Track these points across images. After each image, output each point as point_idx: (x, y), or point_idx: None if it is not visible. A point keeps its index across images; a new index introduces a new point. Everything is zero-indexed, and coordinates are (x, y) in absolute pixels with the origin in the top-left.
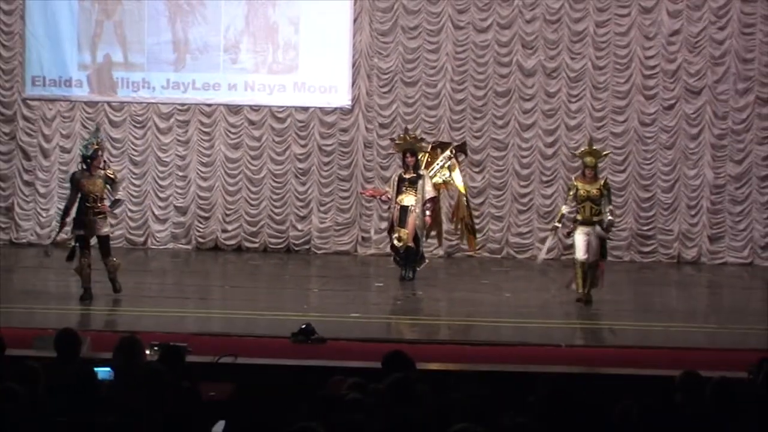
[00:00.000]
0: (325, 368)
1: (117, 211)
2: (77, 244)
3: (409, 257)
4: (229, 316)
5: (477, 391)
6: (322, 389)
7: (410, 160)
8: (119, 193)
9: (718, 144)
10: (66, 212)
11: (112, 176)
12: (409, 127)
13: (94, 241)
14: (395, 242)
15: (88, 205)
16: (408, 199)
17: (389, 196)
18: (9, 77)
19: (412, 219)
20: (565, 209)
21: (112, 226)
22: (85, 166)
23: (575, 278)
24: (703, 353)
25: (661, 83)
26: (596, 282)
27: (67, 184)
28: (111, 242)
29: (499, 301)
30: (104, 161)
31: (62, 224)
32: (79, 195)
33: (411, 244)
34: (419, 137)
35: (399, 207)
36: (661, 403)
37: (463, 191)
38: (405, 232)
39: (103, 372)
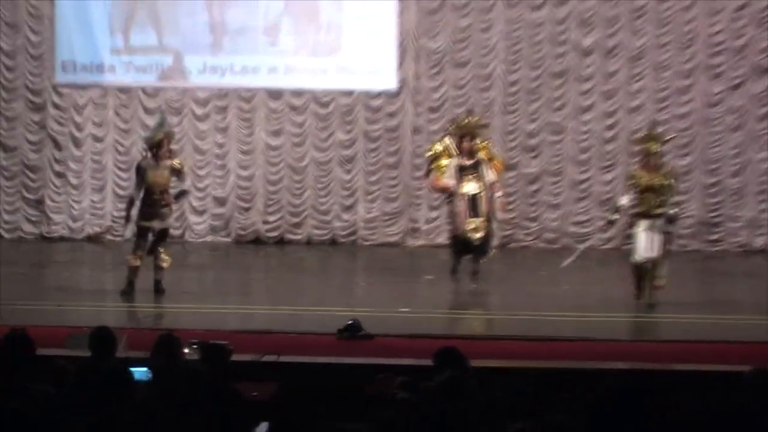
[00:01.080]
0: (373, 366)
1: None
2: (139, 239)
3: (483, 249)
4: (272, 313)
5: (533, 389)
6: (369, 388)
7: (467, 144)
8: (185, 183)
9: None
10: (131, 204)
11: (178, 166)
12: (470, 110)
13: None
14: (472, 235)
15: (155, 197)
16: (471, 186)
17: (454, 188)
18: (38, 63)
19: (485, 206)
20: (624, 200)
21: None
22: (150, 155)
23: (636, 283)
24: None
25: (727, 61)
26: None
27: (100, 175)
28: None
29: (557, 293)
30: (170, 150)
31: (128, 218)
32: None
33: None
34: (482, 121)
35: (467, 197)
36: (729, 401)
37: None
38: (481, 221)
39: (140, 372)
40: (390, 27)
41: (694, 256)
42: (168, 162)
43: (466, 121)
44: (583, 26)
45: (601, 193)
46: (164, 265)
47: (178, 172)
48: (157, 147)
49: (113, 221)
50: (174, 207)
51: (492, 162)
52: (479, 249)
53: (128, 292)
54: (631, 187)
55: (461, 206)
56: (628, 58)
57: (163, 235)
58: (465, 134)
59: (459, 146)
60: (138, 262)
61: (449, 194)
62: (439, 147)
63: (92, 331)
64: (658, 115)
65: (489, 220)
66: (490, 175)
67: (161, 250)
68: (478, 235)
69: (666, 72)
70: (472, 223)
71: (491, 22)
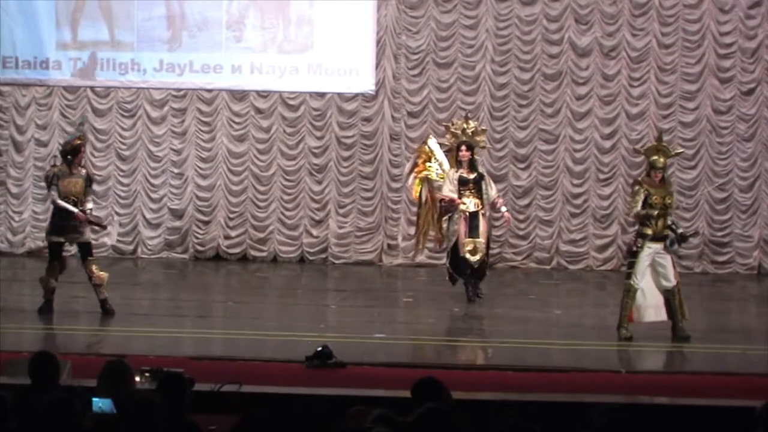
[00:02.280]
0: (345, 398)
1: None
2: (51, 257)
3: (481, 271)
4: (233, 337)
5: (522, 423)
6: (341, 422)
7: (464, 154)
8: (90, 196)
9: None
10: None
11: (92, 176)
12: (468, 114)
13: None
14: (469, 257)
15: None
16: (472, 203)
17: (455, 201)
18: None
19: (484, 226)
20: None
21: (95, 232)
22: (63, 162)
23: (624, 308)
24: None
25: (738, 64)
26: (684, 311)
27: (43, 183)
28: (95, 251)
29: (548, 319)
30: (85, 158)
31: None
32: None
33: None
34: (480, 128)
35: (466, 215)
36: None
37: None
38: (480, 242)
39: (103, 403)
40: (367, 23)
41: (700, 279)
42: (83, 171)
43: (462, 128)
44: (580, 24)
45: (598, 208)
46: (100, 282)
47: (91, 182)
48: (73, 153)
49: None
50: (91, 226)
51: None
52: (477, 272)
53: (46, 310)
54: (638, 203)
55: (461, 224)
56: (629, 60)
57: (86, 251)
58: (462, 143)
59: (457, 156)
60: (54, 283)
61: (448, 210)
62: (427, 149)
63: (33, 356)
64: (662, 122)
65: (488, 241)
66: (491, 191)
67: (93, 267)
68: (476, 258)
69: (671, 75)
70: (470, 244)
71: (478, 18)
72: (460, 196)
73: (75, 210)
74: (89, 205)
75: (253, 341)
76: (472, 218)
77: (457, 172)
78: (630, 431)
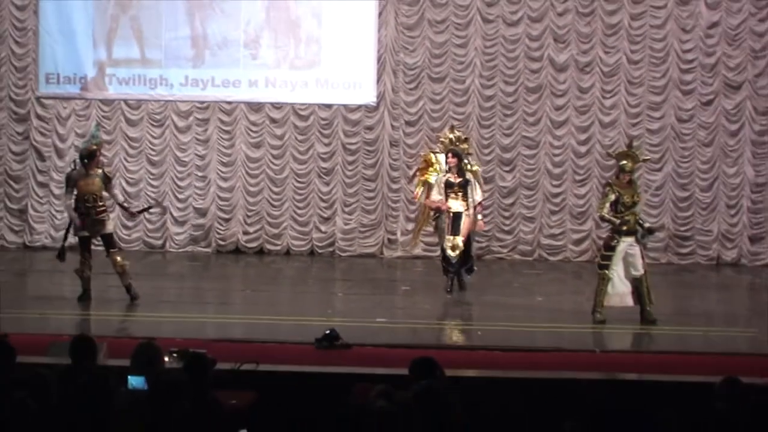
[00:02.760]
0: (350, 375)
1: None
2: (81, 249)
3: (463, 264)
4: (251, 322)
5: (509, 398)
6: (347, 397)
7: (451, 161)
8: (117, 195)
9: (759, 141)
10: (70, 209)
11: (108, 174)
12: (453, 125)
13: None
14: (450, 252)
15: (88, 205)
16: (456, 204)
17: (443, 204)
18: (22, 75)
19: (466, 225)
20: (606, 214)
21: (128, 228)
22: (81, 165)
23: (598, 294)
24: (744, 359)
25: (699, 78)
26: (651, 297)
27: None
28: (128, 246)
29: (531, 305)
30: (103, 159)
31: (66, 236)
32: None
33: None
34: (464, 136)
35: (451, 214)
36: (701, 411)
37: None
38: (460, 239)
39: (136, 380)
40: (369, 42)
41: (665, 269)
42: (99, 171)
43: (450, 138)
44: (558, 43)
45: (575, 206)
46: (121, 269)
47: (108, 180)
48: (89, 157)
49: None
50: (136, 219)
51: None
52: (458, 266)
53: (84, 298)
54: (608, 203)
55: (446, 223)
56: (602, 74)
57: (108, 242)
58: (449, 150)
59: (447, 161)
60: (88, 273)
61: (437, 211)
62: (432, 158)
63: (73, 339)
64: (631, 130)
65: (469, 238)
66: (477, 195)
67: (117, 257)
68: (455, 253)
69: (639, 88)
70: (450, 241)
71: (468, 37)
72: (447, 197)
73: (76, 219)
74: (125, 204)
75: (269, 325)
76: (456, 218)
77: (444, 176)
78: (605, 406)
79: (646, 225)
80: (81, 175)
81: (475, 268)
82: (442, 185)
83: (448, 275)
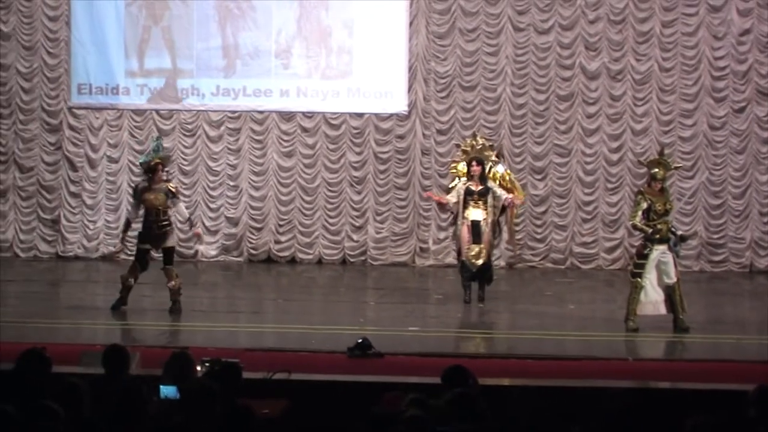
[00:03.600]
0: (383, 384)
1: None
2: (135, 260)
3: (483, 275)
4: (283, 331)
5: (541, 407)
6: (378, 405)
7: (476, 169)
8: (183, 210)
9: None
10: (128, 225)
11: (173, 189)
12: (476, 132)
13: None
14: (473, 261)
15: (151, 218)
16: (476, 213)
17: (451, 207)
18: (54, 85)
19: (487, 234)
20: (638, 222)
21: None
22: (146, 178)
23: (631, 303)
24: None
25: (731, 85)
26: (683, 305)
27: (115, 195)
28: (159, 255)
29: (563, 313)
30: (166, 173)
31: (124, 237)
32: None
33: (487, 260)
34: (487, 144)
35: (470, 223)
36: (734, 419)
37: (521, 197)
38: (482, 248)
39: (169, 390)
40: (400, 51)
41: (698, 276)
42: (164, 185)
43: (471, 146)
44: (590, 50)
45: (607, 214)
46: (171, 286)
47: (173, 195)
48: (152, 172)
49: (128, 240)
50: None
51: (512, 193)
52: (480, 275)
53: (118, 306)
54: (640, 212)
55: (464, 231)
56: (634, 82)
57: (167, 256)
58: (472, 159)
59: (468, 171)
60: (131, 282)
61: (453, 215)
62: (462, 168)
63: (105, 348)
64: (663, 137)
65: (491, 247)
66: (501, 193)
67: (172, 272)
68: (479, 261)
69: (671, 95)
70: (474, 249)
71: (499, 46)
72: (466, 205)
73: (120, 237)
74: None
75: (301, 334)
76: (475, 227)
77: (465, 184)
78: (639, 413)
79: (679, 233)
80: (146, 189)
81: (495, 277)
82: (462, 191)
83: (464, 285)
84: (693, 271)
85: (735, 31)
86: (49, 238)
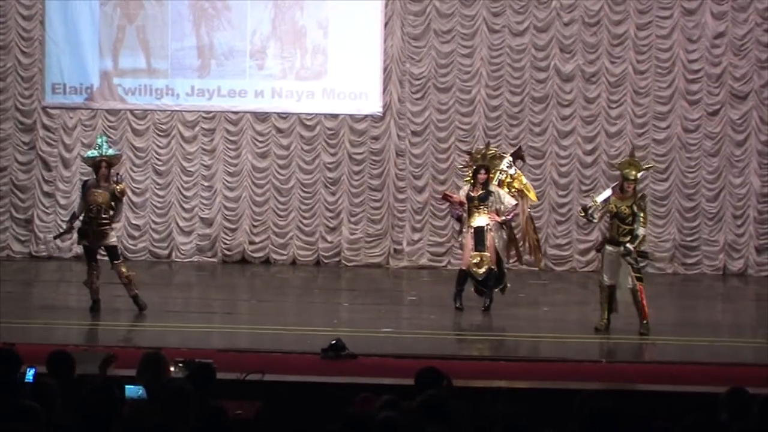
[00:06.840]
0: (356, 385)
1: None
2: (84, 256)
3: (489, 281)
4: (257, 332)
5: (514, 408)
6: (352, 407)
7: (483, 176)
8: (120, 215)
9: (765, 151)
10: (73, 218)
11: (118, 194)
12: (489, 141)
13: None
14: (474, 269)
15: (92, 215)
16: (480, 220)
17: (463, 211)
18: (28, 85)
19: (491, 240)
20: (598, 199)
21: (134, 238)
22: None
23: (601, 303)
24: (750, 369)
25: (705, 88)
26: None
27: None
28: (134, 256)
29: (537, 315)
30: (116, 175)
31: (67, 229)
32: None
33: (493, 266)
34: (498, 153)
35: (473, 230)
36: (706, 421)
37: (534, 200)
38: (486, 256)
39: (133, 390)
40: (375, 52)
41: (671, 278)
42: (113, 186)
43: (483, 154)
44: (564, 53)
45: (581, 216)
46: (126, 280)
47: (117, 200)
48: (95, 168)
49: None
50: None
51: (525, 194)
52: (484, 283)
53: (95, 309)
54: (606, 211)
55: (468, 240)
56: (608, 84)
57: (112, 253)
58: (480, 167)
59: (474, 177)
60: (95, 283)
61: (460, 225)
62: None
63: (50, 353)
64: (638, 140)
65: (497, 253)
66: (508, 199)
67: (122, 268)
68: (482, 270)
69: (645, 98)
70: (476, 257)
71: (474, 47)
72: (470, 213)
73: (65, 228)
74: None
75: (274, 335)
76: (478, 233)
77: (468, 191)
78: (608, 416)
79: (642, 248)
80: (92, 185)
81: (509, 285)
82: (464, 199)
83: (460, 289)
84: (666, 273)
85: (709, 34)
86: (22, 238)
